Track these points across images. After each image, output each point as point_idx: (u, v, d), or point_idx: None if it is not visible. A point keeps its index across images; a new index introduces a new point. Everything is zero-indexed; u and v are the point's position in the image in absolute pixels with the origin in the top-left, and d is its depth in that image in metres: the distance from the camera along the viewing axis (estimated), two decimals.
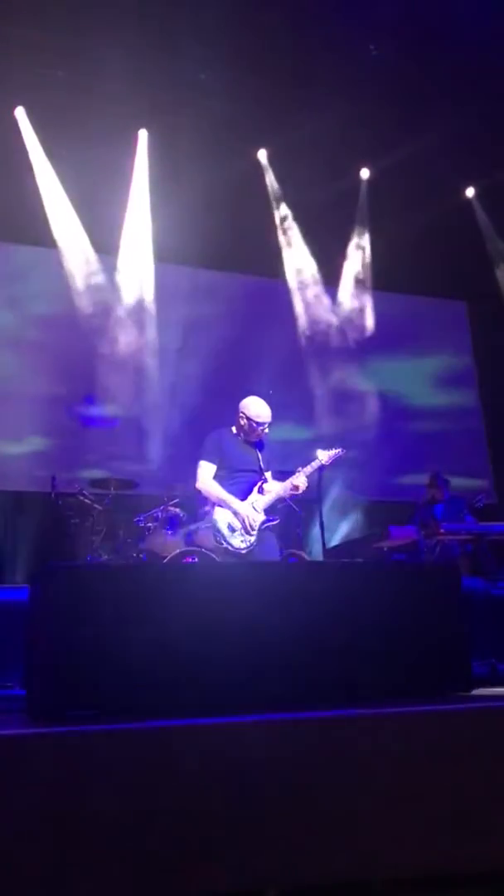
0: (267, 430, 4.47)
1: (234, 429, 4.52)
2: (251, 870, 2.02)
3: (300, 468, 4.39)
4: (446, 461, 8.68)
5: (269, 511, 4.40)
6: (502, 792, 2.28)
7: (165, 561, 5.81)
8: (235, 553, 4.29)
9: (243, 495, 4.35)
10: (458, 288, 9.51)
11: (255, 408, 4.45)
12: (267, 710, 2.47)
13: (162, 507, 6.40)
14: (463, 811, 2.23)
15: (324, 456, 4.44)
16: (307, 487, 4.39)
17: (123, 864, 1.94)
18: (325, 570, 3.75)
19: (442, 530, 6.16)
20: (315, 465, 4.42)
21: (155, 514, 6.37)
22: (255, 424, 4.41)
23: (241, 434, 4.47)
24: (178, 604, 2.86)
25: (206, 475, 4.39)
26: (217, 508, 4.37)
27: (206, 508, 6.19)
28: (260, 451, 4.49)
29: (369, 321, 9.17)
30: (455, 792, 2.25)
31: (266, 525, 4.36)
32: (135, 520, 6.36)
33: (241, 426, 4.46)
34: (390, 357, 9.12)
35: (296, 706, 2.56)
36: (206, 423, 7.23)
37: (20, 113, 7.71)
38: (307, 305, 8.98)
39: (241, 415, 4.47)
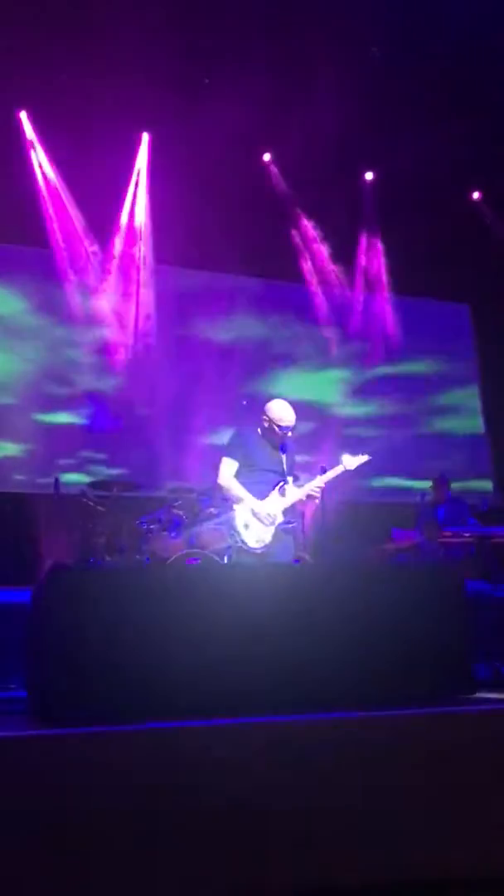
0: (290, 434, 4.45)
1: (259, 429, 4.51)
2: (253, 873, 2.01)
3: (319, 475, 4.38)
4: (450, 464, 8.68)
5: (288, 513, 4.39)
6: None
7: (168, 563, 5.80)
8: (250, 552, 4.27)
9: (262, 495, 4.34)
10: (463, 291, 9.51)
11: (279, 411, 4.42)
12: (269, 713, 2.47)
13: (164, 509, 6.39)
14: (466, 814, 2.22)
15: (350, 463, 4.42)
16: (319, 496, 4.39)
17: (124, 866, 1.94)
18: (329, 573, 3.74)
19: (446, 532, 6.16)
20: (339, 470, 4.40)
21: (157, 517, 6.37)
22: (277, 428, 4.39)
23: (265, 435, 4.47)
24: (181, 606, 2.86)
25: (227, 472, 4.38)
26: (236, 506, 4.35)
27: (211, 510, 6.19)
28: (283, 453, 4.48)
29: (374, 324, 9.18)
30: (458, 794, 2.24)
31: (283, 527, 4.35)
32: (137, 522, 6.35)
33: (265, 428, 4.45)
34: (392, 359, 9.10)
35: (299, 709, 2.56)
36: (205, 425, 7.23)
37: (23, 117, 7.75)
38: (311, 307, 8.98)
39: (264, 417, 4.46)
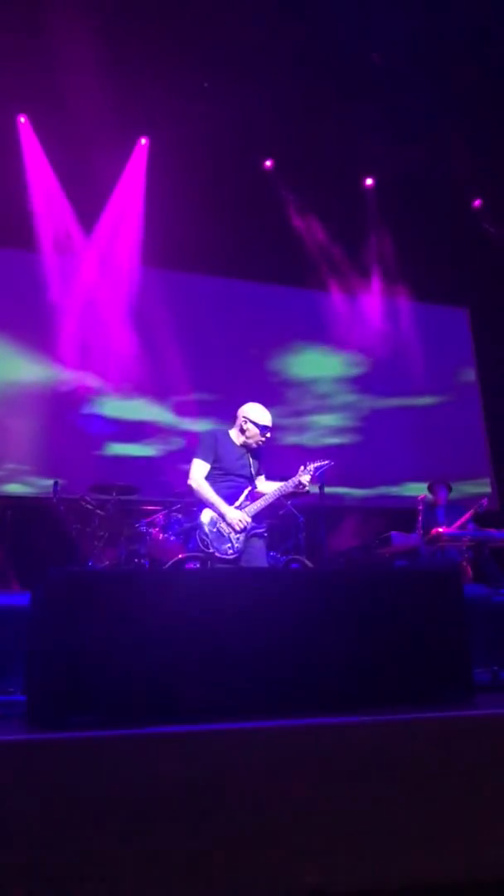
0: (269, 435, 4.43)
1: (232, 431, 4.45)
2: (252, 879, 2.01)
3: (303, 466, 4.34)
4: (449, 467, 8.68)
5: (258, 518, 4.34)
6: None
7: (167, 566, 5.80)
8: (222, 558, 4.19)
9: (231, 500, 4.27)
10: (461, 295, 9.54)
11: (258, 413, 4.39)
12: (268, 717, 2.47)
13: (164, 513, 6.39)
14: (465, 819, 2.22)
15: (311, 467, 4.34)
16: (307, 492, 4.36)
17: (123, 870, 1.94)
18: (327, 577, 3.74)
19: (444, 536, 6.17)
20: (295, 481, 4.30)
21: (157, 520, 6.37)
22: (257, 428, 4.36)
23: (241, 438, 4.43)
24: (180, 610, 2.86)
25: (198, 473, 4.30)
26: (204, 511, 4.27)
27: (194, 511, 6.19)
28: (254, 457, 4.45)
29: (374, 327, 9.20)
30: (457, 799, 2.24)
31: (253, 532, 4.29)
32: (136, 525, 6.35)
33: (244, 430, 4.40)
34: (391, 361, 9.12)
35: (297, 712, 2.56)
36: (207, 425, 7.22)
37: (23, 121, 7.77)
38: (309, 310, 8.99)
39: (243, 419, 4.41)
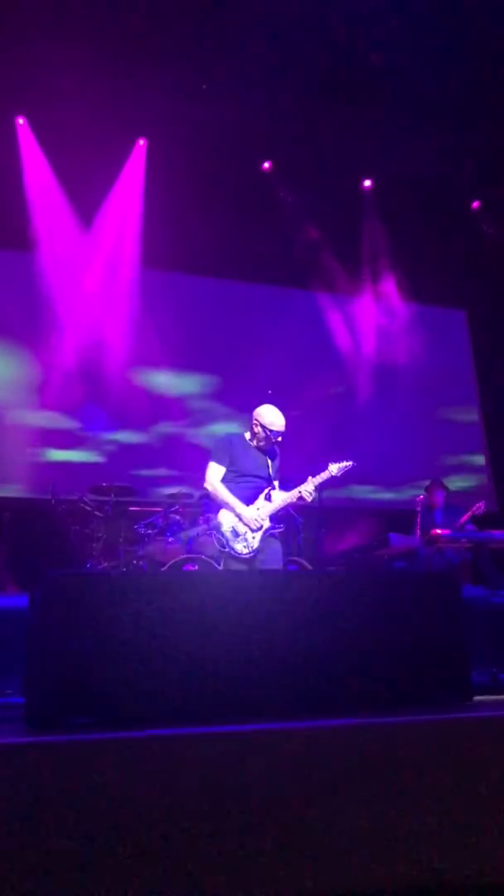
0: (280, 440, 4.46)
1: (246, 434, 4.51)
2: (249, 882, 2.01)
3: (311, 477, 4.38)
4: (447, 469, 8.70)
5: (275, 519, 4.39)
6: (502, 802, 2.27)
7: (165, 568, 5.80)
8: (238, 558, 4.26)
9: (249, 501, 4.33)
10: (460, 296, 9.55)
11: (270, 416, 4.43)
12: (266, 719, 2.47)
13: (162, 514, 6.40)
14: (463, 821, 2.22)
15: (334, 468, 4.42)
16: (309, 499, 4.38)
17: (122, 874, 1.94)
18: (325, 579, 3.74)
19: (442, 537, 6.16)
20: (325, 476, 4.39)
21: (155, 521, 6.37)
22: (269, 433, 4.40)
23: (254, 440, 4.47)
24: (178, 612, 2.86)
25: (214, 476, 4.38)
26: (221, 511, 4.34)
27: (209, 516, 6.19)
28: (271, 459, 4.49)
29: (372, 328, 9.21)
30: (455, 802, 2.24)
31: (271, 532, 4.34)
32: (135, 527, 6.36)
33: (255, 433, 4.45)
34: (389, 362, 9.13)
35: (296, 715, 2.56)
36: (206, 429, 7.22)
37: (21, 123, 7.78)
38: (311, 313, 9.00)
39: (255, 422, 4.46)
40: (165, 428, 8.02)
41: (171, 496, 6.67)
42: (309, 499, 4.33)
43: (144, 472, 7.80)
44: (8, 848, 1.89)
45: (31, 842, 1.92)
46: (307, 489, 4.31)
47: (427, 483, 7.08)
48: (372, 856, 2.11)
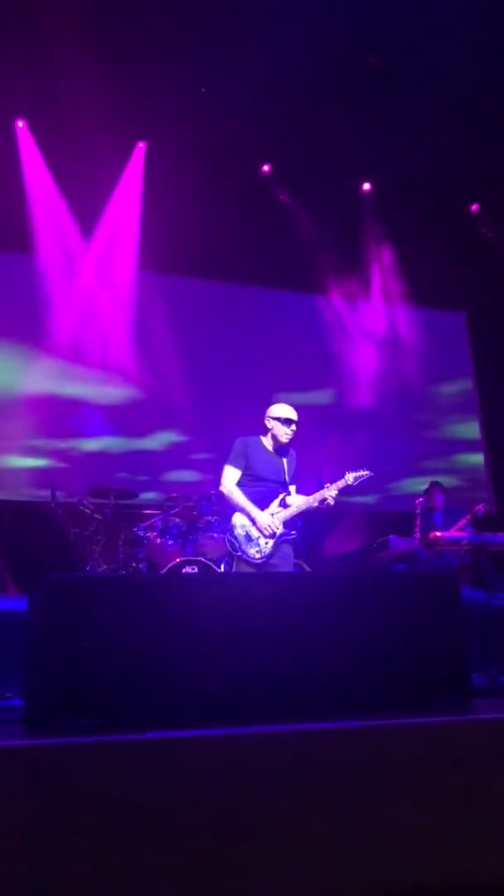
0: (295, 428, 4.46)
1: (262, 438, 4.52)
2: (250, 882, 2.01)
3: (328, 484, 4.38)
4: (446, 471, 8.70)
5: (288, 524, 4.38)
6: (502, 804, 2.27)
7: (164, 571, 5.80)
8: (249, 562, 4.26)
9: (264, 505, 4.34)
10: (459, 299, 9.56)
11: (280, 409, 4.48)
12: (266, 722, 2.47)
13: (162, 517, 6.39)
14: (462, 824, 2.22)
15: (350, 477, 4.41)
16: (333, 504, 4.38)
17: (120, 877, 1.94)
18: (325, 581, 3.74)
19: (442, 539, 6.17)
20: (341, 484, 4.39)
21: (155, 524, 6.37)
22: (281, 423, 4.41)
23: (271, 442, 4.48)
24: (177, 614, 2.86)
25: (229, 479, 4.39)
26: (236, 514, 4.35)
27: (210, 518, 6.19)
28: (287, 463, 4.50)
29: (371, 330, 9.21)
30: (454, 804, 2.24)
31: (284, 539, 4.34)
32: (134, 529, 6.35)
33: (269, 430, 4.47)
34: (389, 364, 9.13)
35: (295, 718, 2.56)
36: (205, 432, 7.24)
37: (21, 126, 7.79)
38: (310, 316, 9.00)
39: (268, 418, 4.49)
40: (165, 431, 8.03)
41: (171, 499, 6.66)
42: (331, 501, 4.33)
43: (144, 475, 7.80)
44: (8, 849, 1.90)
45: (31, 844, 1.92)
46: (331, 494, 4.30)
47: (426, 485, 7.08)
48: (372, 856, 2.11)
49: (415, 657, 3.09)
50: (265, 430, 4.51)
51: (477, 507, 6.68)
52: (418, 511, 6.36)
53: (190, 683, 2.77)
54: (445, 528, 6.52)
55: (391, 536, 6.42)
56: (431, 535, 6.28)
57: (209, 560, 5.76)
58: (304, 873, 2.06)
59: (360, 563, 6.65)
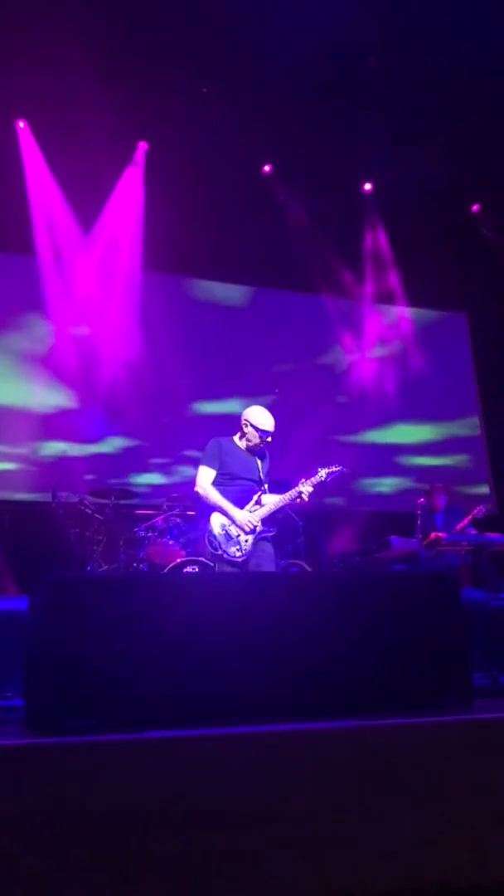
0: (269, 440, 4.46)
1: (236, 437, 4.51)
2: (251, 883, 2.01)
3: (304, 479, 4.37)
4: (447, 472, 8.70)
5: (267, 522, 4.38)
6: (502, 805, 2.27)
7: (165, 571, 5.80)
8: (230, 561, 4.26)
9: (240, 503, 4.33)
10: (460, 299, 9.56)
11: (259, 417, 4.44)
12: (267, 721, 2.46)
13: (162, 517, 6.39)
14: (464, 823, 2.22)
15: (323, 473, 4.40)
16: (308, 500, 4.37)
17: (120, 877, 1.93)
18: (325, 581, 3.74)
19: (443, 540, 6.17)
20: (315, 480, 4.38)
21: (155, 524, 6.37)
22: (257, 432, 4.41)
23: (244, 442, 4.47)
24: (178, 614, 2.85)
25: (204, 479, 4.37)
26: (213, 514, 4.33)
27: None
28: (261, 461, 4.49)
29: (372, 331, 9.21)
30: (455, 805, 2.24)
31: (263, 536, 4.34)
32: (135, 529, 6.35)
33: (244, 434, 4.46)
34: (390, 365, 9.12)
35: (295, 718, 2.55)
36: (205, 433, 7.22)
37: (22, 126, 7.79)
38: (311, 316, 9.00)
39: (244, 422, 4.47)
40: (165, 431, 8.02)
41: (172, 499, 6.66)
42: (307, 499, 4.32)
43: (145, 476, 7.80)
44: (9, 850, 1.89)
45: (31, 844, 1.91)
46: (306, 489, 4.30)
47: (427, 486, 7.07)
48: (373, 857, 2.11)
49: (416, 657, 3.09)
50: (240, 431, 4.49)
51: (478, 509, 6.68)
52: (419, 512, 6.36)
53: (190, 683, 2.76)
54: (447, 528, 6.52)
55: (392, 537, 6.42)
56: (432, 535, 6.29)
57: (209, 560, 5.76)
58: (305, 873, 2.05)
59: (361, 564, 6.64)
